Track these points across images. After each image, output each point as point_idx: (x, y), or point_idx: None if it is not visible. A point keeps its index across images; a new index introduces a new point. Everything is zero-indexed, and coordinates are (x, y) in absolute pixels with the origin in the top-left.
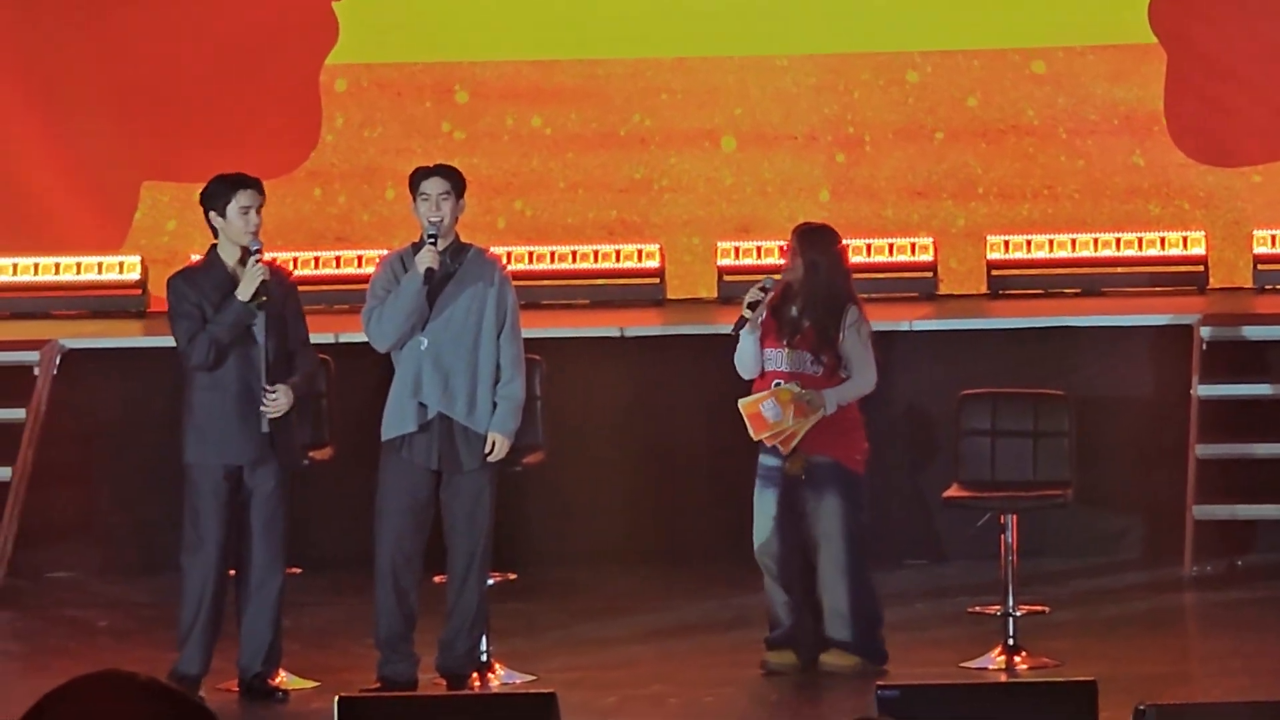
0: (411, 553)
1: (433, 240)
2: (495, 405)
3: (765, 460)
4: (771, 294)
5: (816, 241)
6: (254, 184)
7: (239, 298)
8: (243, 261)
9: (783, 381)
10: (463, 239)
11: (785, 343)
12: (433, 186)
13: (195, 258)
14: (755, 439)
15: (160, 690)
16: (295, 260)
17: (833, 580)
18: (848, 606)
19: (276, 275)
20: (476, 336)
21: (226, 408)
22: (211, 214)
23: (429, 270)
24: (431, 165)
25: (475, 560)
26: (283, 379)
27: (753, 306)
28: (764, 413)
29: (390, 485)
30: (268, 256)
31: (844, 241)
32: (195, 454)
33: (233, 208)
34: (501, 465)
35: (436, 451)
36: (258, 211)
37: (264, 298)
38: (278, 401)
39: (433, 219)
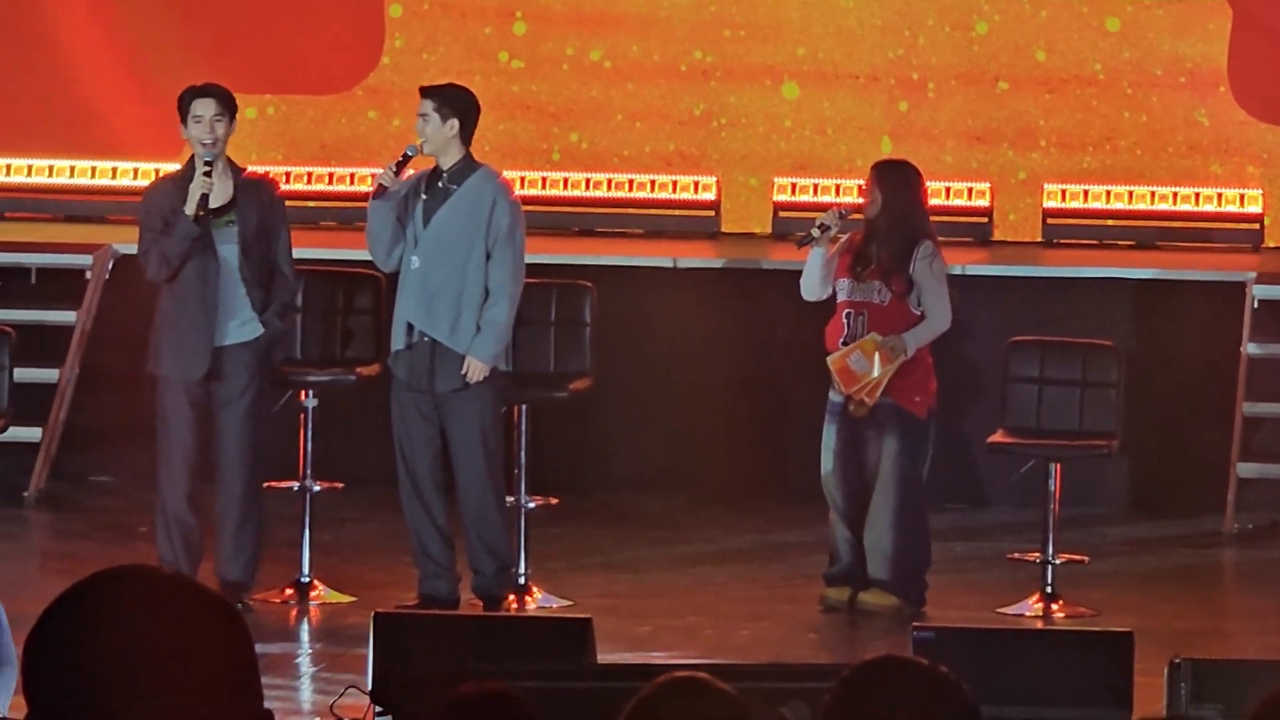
0: (428, 468)
1: (400, 161)
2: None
3: (832, 396)
4: (847, 235)
5: (894, 176)
6: (214, 94)
7: (185, 211)
8: (223, 174)
9: (851, 311)
10: (476, 158)
11: (856, 273)
12: (421, 107)
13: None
14: (845, 393)
15: (185, 584)
16: (352, 176)
17: (879, 520)
18: (891, 548)
19: (257, 188)
20: (467, 257)
21: (182, 322)
22: (182, 126)
23: (379, 187)
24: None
25: (475, 481)
26: (260, 296)
27: (823, 227)
28: (851, 366)
29: (393, 403)
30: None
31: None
32: (153, 365)
33: (190, 118)
34: (548, 390)
35: (420, 370)
36: (217, 122)
37: (201, 213)
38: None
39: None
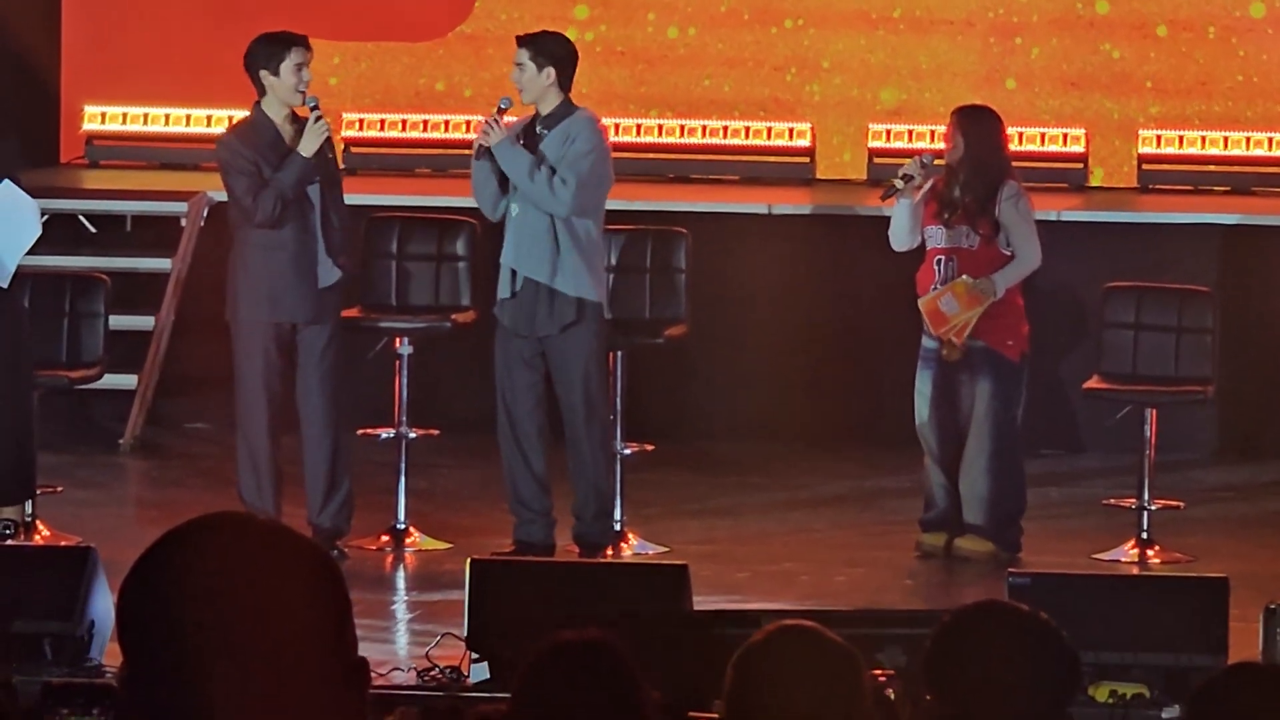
0: (528, 414)
1: (495, 116)
2: (581, 267)
3: (926, 343)
4: (932, 179)
5: (976, 121)
6: (305, 41)
7: (303, 154)
8: (291, 120)
9: (942, 258)
10: (575, 103)
11: (944, 220)
12: (516, 56)
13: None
14: (935, 334)
15: (280, 531)
16: (446, 124)
17: (974, 465)
18: (987, 493)
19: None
20: None
21: (283, 266)
22: (262, 73)
23: (480, 148)
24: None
25: (580, 426)
26: (328, 240)
27: (906, 178)
28: (942, 308)
29: (497, 350)
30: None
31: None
32: (248, 311)
33: (286, 66)
34: (644, 337)
35: (524, 316)
36: (308, 68)
37: (329, 155)
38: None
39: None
